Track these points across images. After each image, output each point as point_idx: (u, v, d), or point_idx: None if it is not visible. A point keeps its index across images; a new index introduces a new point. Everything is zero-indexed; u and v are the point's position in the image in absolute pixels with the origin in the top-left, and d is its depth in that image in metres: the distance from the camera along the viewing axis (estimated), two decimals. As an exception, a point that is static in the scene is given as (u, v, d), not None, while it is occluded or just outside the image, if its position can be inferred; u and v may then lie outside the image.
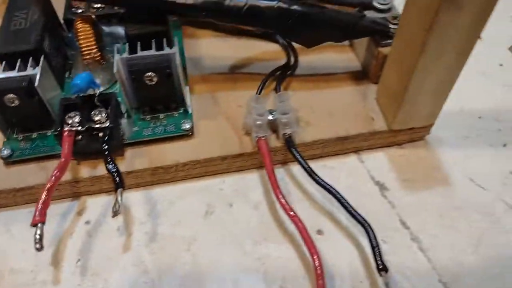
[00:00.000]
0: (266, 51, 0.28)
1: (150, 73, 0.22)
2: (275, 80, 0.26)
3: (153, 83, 0.22)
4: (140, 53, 0.22)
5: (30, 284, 0.20)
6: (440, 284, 0.20)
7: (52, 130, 0.23)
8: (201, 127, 0.24)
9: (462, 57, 0.20)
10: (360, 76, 0.27)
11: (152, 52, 0.22)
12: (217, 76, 0.27)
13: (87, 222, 0.22)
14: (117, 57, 0.21)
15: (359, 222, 0.20)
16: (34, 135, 0.23)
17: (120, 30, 0.27)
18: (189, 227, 0.22)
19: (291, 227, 0.22)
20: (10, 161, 0.22)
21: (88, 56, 0.24)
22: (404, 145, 0.25)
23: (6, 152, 0.22)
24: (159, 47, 0.22)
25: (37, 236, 0.19)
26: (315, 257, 0.19)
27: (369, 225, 0.20)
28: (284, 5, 0.22)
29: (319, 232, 0.22)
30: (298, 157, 0.22)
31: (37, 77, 0.21)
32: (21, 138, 0.23)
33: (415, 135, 0.25)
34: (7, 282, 0.21)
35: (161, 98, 0.23)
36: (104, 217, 0.23)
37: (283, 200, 0.21)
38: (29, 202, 0.23)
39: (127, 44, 0.22)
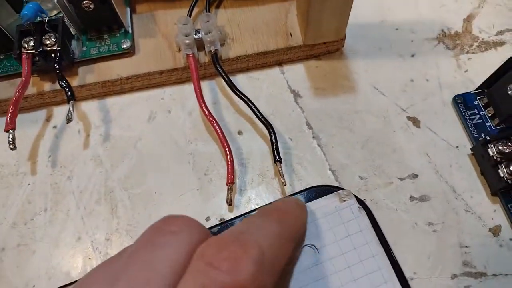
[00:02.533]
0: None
1: (86, 1, 0.25)
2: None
3: (91, 9, 0.25)
4: (76, -19, 0.25)
5: (14, 174, 0.26)
6: (330, 172, 0.25)
7: (6, 54, 0.27)
8: (141, 45, 0.28)
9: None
10: (287, -8, 0.29)
11: (87, -20, 0.25)
12: (157, -4, 0.30)
13: (54, 127, 0.28)
14: (56, -14, 0.25)
15: (263, 123, 0.25)
16: (1, 56, 0.27)
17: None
18: (135, 130, 0.27)
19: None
20: (-20, 79, 0.27)
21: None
22: (321, 57, 0.29)
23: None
24: (93, -25, 0.25)
25: (10, 139, 0.24)
26: (227, 151, 0.24)
27: (271, 126, 0.25)
28: None
29: (239, 132, 0.27)
30: (220, 71, 0.26)
31: (-9, 8, 0.24)
32: (-13, 60, 0.27)
33: (329, 48, 0.28)
34: (-4, 174, 0.27)
35: (101, 21, 0.27)
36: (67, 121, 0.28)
37: (204, 107, 0.25)
38: (4, 112, 0.28)
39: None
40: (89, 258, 0.24)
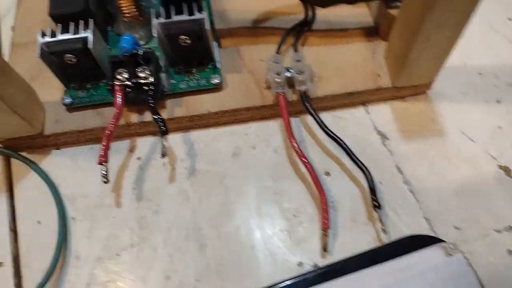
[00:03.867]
0: (286, 5, 0.30)
1: (183, 36, 0.25)
2: (294, 36, 0.29)
3: (187, 44, 0.25)
4: (174, 18, 0.25)
5: (98, 205, 0.26)
6: (423, 219, 0.25)
7: (104, 81, 0.27)
8: (228, 80, 0.28)
9: (460, 28, 0.22)
10: (373, 32, 0.29)
11: (185, 17, 0.25)
12: (240, 30, 0.30)
13: (139, 158, 0.28)
14: (154, 21, 0.24)
15: (359, 167, 0.25)
16: (89, 85, 0.27)
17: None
18: (221, 165, 0.27)
19: (304, 168, 0.26)
20: (71, 107, 0.27)
21: (128, 15, 0.27)
22: (407, 99, 0.29)
23: (67, 100, 0.27)
24: (191, 12, 0.25)
25: (103, 173, 0.24)
26: (322, 195, 0.24)
27: (367, 169, 0.25)
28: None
29: (327, 173, 0.26)
30: (311, 111, 0.26)
31: (90, 39, 0.24)
32: (78, 88, 0.27)
33: (417, 90, 0.28)
34: (80, 204, 0.26)
35: (194, 55, 0.26)
36: (152, 153, 0.28)
37: (296, 146, 0.25)
38: (89, 140, 0.28)
39: (161, 8, 0.25)
40: (178, 299, 0.24)
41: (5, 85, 0.23)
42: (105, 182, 0.24)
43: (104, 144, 0.24)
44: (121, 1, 0.27)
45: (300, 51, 0.28)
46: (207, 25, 0.24)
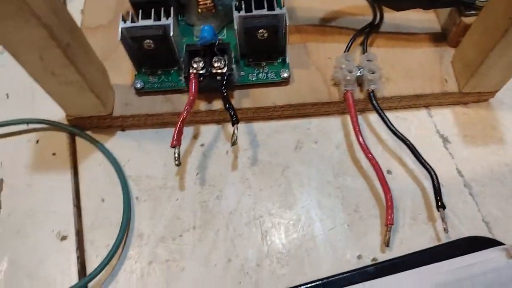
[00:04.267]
0: (353, 6, 0.31)
1: (262, 30, 0.25)
2: (361, 37, 0.29)
3: (263, 38, 0.26)
4: (255, 12, 0.25)
5: (162, 187, 0.27)
6: (482, 223, 0.25)
7: (175, 68, 0.28)
8: (295, 75, 0.28)
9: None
10: (439, 38, 0.29)
11: (265, 11, 0.25)
12: (308, 27, 0.30)
13: (202, 145, 0.28)
14: (236, 14, 0.25)
15: (425, 167, 0.25)
16: (160, 71, 0.28)
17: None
18: (283, 157, 0.28)
19: (366, 165, 0.27)
20: (141, 92, 0.28)
21: (203, 7, 0.28)
22: (469, 105, 0.29)
23: (139, 84, 0.28)
24: (270, 7, 0.25)
25: (176, 156, 0.25)
26: (387, 192, 0.25)
27: (433, 170, 0.25)
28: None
29: (389, 172, 0.27)
30: (379, 110, 0.26)
31: (171, 26, 0.25)
32: (149, 73, 0.28)
33: (481, 97, 0.28)
34: (145, 184, 0.27)
35: (268, 49, 0.27)
36: (215, 141, 0.28)
37: (363, 143, 0.26)
38: (155, 125, 0.29)
39: (242, 2, 0.26)
40: (240, 283, 0.24)
41: (87, 64, 0.24)
42: (177, 165, 0.25)
43: (178, 128, 0.25)
44: (198, -8, 0.28)
45: (368, 51, 0.29)
46: (287, 20, 0.25)
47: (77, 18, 0.32)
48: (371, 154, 0.26)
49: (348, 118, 0.28)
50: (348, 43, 0.29)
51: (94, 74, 0.25)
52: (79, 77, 0.23)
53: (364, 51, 0.28)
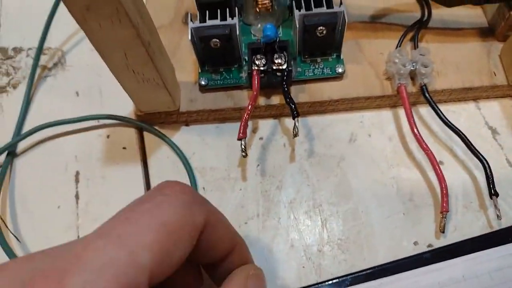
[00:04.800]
0: (401, 3, 0.32)
1: (321, 27, 0.27)
2: (411, 33, 0.30)
3: (322, 35, 0.27)
4: (314, 10, 0.27)
5: (226, 178, 0.29)
6: (532, 209, 0.27)
7: (235, 66, 0.30)
8: (348, 70, 0.30)
9: None
10: (486, 32, 0.31)
11: (324, 9, 0.27)
12: (359, 24, 0.32)
13: (261, 138, 0.30)
14: (296, 13, 0.27)
15: (477, 157, 0.26)
16: (221, 69, 0.30)
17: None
18: (338, 149, 0.29)
19: (418, 156, 0.28)
20: (205, 89, 0.30)
21: (261, 6, 0.29)
22: (516, 97, 0.30)
23: (203, 82, 0.29)
24: (329, 5, 0.27)
25: (243, 147, 0.26)
26: (442, 181, 0.26)
27: (485, 159, 0.26)
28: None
29: (440, 162, 0.28)
30: (432, 103, 0.28)
31: (237, 26, 0.27)
32: (212, 71, 0.30)
33: (529, 90, 0.29)
34: (209, 176, 0.29)
35: (324, 45, 0.29)
36: (273, 135, 0.30)
37: (418, 134, 0.27)
38: (216, 119, 0.30)
39: (302, 0, 0.27)
40: (303, 267, 0.26)
41: (162, 62, 0.26)
42: (244, 156, 0.26)
43: (244, 122, 0.27)
44: (258, -8, 0.29)
45: (419, 46, 0.30)
46: (346, 18, 0.26)
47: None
48: (426, 145, 0.27)
49: (399, 111, 0.30)
50: (400, 39, 0.30)
51: (167, 72, 0.27)
52: (157, 74, 0.25)
53: (415, 46, 0.30)
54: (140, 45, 0.23)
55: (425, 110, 0.30)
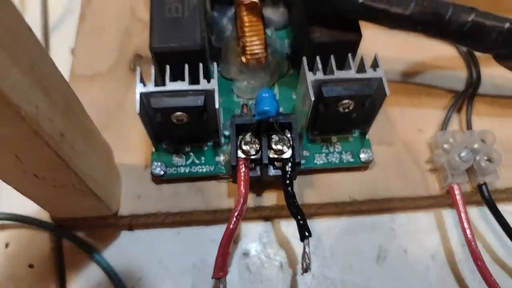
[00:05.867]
0: (439, 56, 0.24)
1: (347, 101, 0.17)
2: (463, 102, 0.22)
3: (346, 110, 0.18)
4: (338, 74, 0.17)
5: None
6: None
7: (210, 143, 0.19)
8: (377, 154, 0.20)
9: None
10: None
11: (352, 74, 0.17)
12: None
13: (245, 254, 0.20)
14: (310, 78, 0.17)
15: None
16: (187, 148, 0.19)
17: (275, 16, 0.22)
18: (360, 273, 0.20)
19: (473, 284, 0.20)
20: (162, 179, 0.19)
21: (251, 57, 0.19)
22: None
23: (158, 170, 0.19)
24: (361, 68, 0.18)
25: (221, 291, 0.16)
26: None
27: None
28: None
29: None
30: (500, 216, 0.19)
31: (216, 94, 0.17)
32: (173, 151, 0.19)
33: None
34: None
35: (345, 122, 0.19)
36: (264, 247, 0.20)
37: (483, 265, 0.18)
38: (178, 223, 0.20)
39: (316, 56, 0.18)
40: None
41: (86, 154, 0.15)
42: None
43: (222, 249, 0.17)
44: (247, 37, 0.19)
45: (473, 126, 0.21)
46: (387, 89, 0.17)
47: (65, 61, 0.23)
48: (491, 275, 0.18)
49: (444, 213, 0.21)
50: (448, 112, 0.21)
51: (96, 166, 0.16)
52: (77, 179, 0.14)
53: (468, 125, 0.21)
54: (43, 145, 0.12)
55: (476, 212, 0.21)
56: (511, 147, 0.21)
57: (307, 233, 0.17)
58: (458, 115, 0.22)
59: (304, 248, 0.17)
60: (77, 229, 0.20)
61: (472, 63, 0.23)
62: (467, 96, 0.22)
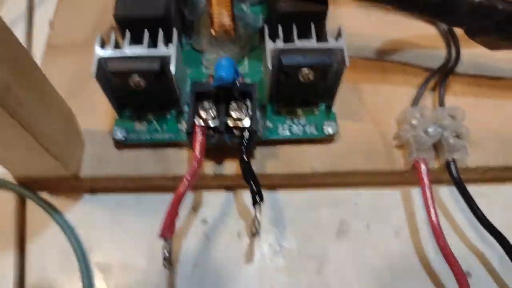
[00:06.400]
0: (418, 34, 0.23)
1: (307, 70, 0.17)
2: (432, 80, 0.21)
3: (307, 80, 0.18)
4: (298, 44, 0.17)
5: (142, 283, 0.19)
6: None
7: (173, 110, 0.19)
8: (343, 130, 0.20)
9: None
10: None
11: (314, 43, 0.17)
12: (361, 61, 0.22)
13: (204, 221, 0.20)
14: (270, 46, 0.17)
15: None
16: (151, 115, 0.20)
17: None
18: (319, 246, 0.20)
19: (437, 265, 0.19)
20: (123, 144, 0.19)
21: (219, 28, 0.19)
22: None
23: (119, 135, 0.19)
24: (321, 35, 0.17)
25: (166, 253, 0.16)
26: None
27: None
28: (488, 2, 0.17)
29: (468, 274, 0.19)
30: (466, 193, 0.18)
31: (173, 59, 0.17)
32: (135, 118, 0.20)
33: None
34: (117, 278, 0.19)
35: (308, 93, 0.19)
36: (223, 217, 0.20)
37: (445, 245, 0.18)
38: (138, 189, 0.20)
39: (278, 25, 0.18)
40: None
41: (42, 115, 0.16)
42: (165, 267, 0.17)
43: (171, 209, 0.17)
44: (214, 8, 0.19)
45: (445, 102, 0.21)
46: (347, 59, 0.17)
47: (43, 32, 0.24)
48: (453, 256, 0.18)
49: (411, 191, 0.21)
50: (419, 90, 0.20)
51: (53, 126, 0.17)
52: (30, 138, 0.15)
53: (440, 102, 0.20)
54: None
55: (446, 191, 0.21)
56: (485, 127, 0.20)
57: (258, 198, 0.17)
58: (432, 93, 0.21)
59: (255, 213, 0.17)
60: (41, 190, 0.20)
61: (452, 42, 0.22)
62: (443, 74, 0.21)
